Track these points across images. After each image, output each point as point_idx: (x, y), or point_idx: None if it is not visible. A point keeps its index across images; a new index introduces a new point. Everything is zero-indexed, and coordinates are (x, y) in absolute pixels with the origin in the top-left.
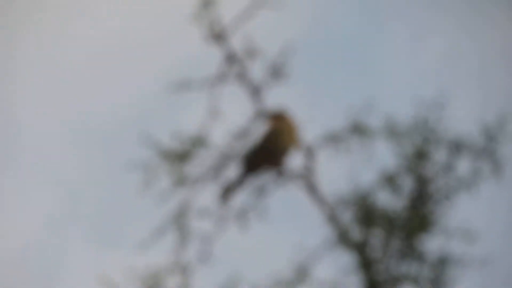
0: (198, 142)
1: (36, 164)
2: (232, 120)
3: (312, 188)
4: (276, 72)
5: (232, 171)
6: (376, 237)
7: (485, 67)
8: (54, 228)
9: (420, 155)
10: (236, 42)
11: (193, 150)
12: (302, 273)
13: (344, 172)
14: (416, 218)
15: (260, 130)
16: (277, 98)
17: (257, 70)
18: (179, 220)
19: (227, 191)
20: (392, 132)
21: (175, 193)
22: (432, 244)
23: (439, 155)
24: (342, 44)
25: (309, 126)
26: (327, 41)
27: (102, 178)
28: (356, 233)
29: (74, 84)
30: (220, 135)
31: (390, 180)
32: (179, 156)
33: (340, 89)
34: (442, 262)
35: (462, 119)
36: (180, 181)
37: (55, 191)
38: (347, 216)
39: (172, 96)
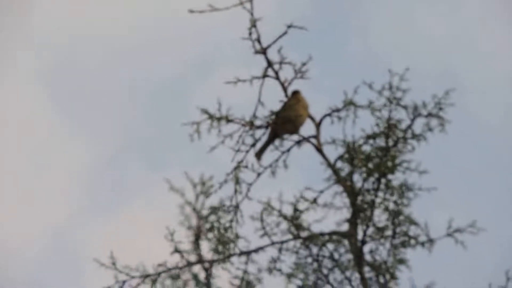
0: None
1: None
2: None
3: (318, 146)
4: (298, 73)
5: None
6: (359, 175)
7: None
8: None
9: (390, 121)
10: (273, 54)
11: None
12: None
13: (340, 133)
14: (386, 161)
15: (283, 107)
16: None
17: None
18: (235, 173)
19: (260, 151)
20: (371, 106)
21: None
22: (397, 177)
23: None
24: None
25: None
26: None
27: None
28: (345, 173)
29: None
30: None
31: (370, 137)
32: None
33: None
34: (403, 189)
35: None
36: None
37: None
38: (340, 162)
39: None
